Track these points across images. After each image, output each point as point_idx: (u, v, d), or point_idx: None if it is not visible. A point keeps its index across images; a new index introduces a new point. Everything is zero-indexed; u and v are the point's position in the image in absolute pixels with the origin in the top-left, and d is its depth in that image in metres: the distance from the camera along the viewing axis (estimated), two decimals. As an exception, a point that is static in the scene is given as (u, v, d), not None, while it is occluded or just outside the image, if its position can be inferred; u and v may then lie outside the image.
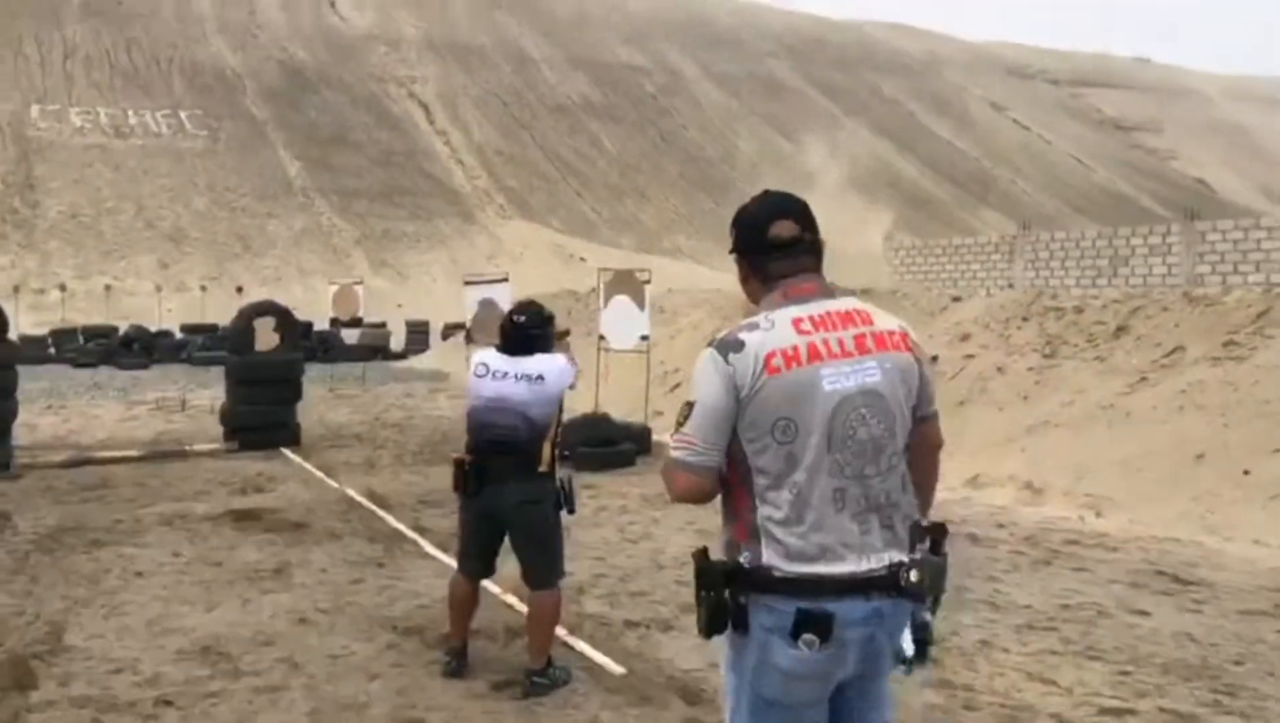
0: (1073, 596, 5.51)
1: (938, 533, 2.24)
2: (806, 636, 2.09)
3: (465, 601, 4.68)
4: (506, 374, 4.42)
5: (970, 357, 10.27)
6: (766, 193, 2.38)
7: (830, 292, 2.26)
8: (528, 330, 4.49)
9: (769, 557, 2.14)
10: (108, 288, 41.49)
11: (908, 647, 2.32)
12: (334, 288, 18.39)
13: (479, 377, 4.48)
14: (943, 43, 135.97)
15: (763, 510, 2.16)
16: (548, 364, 4.45)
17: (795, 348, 2.14)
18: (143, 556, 6.95)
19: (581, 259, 57.35)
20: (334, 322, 19.13)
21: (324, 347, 25.17)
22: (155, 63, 69.90)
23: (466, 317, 13.76)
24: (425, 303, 48.31)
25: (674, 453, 2.22)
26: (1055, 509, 7.63)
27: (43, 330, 31.95)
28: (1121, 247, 21.42)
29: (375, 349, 26.36)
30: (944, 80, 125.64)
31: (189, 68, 70.02)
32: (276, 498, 9.00)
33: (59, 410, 16.58)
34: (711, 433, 2.17)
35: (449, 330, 28.66)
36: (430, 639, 5.10)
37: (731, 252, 2.35)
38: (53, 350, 28.48)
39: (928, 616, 2.31)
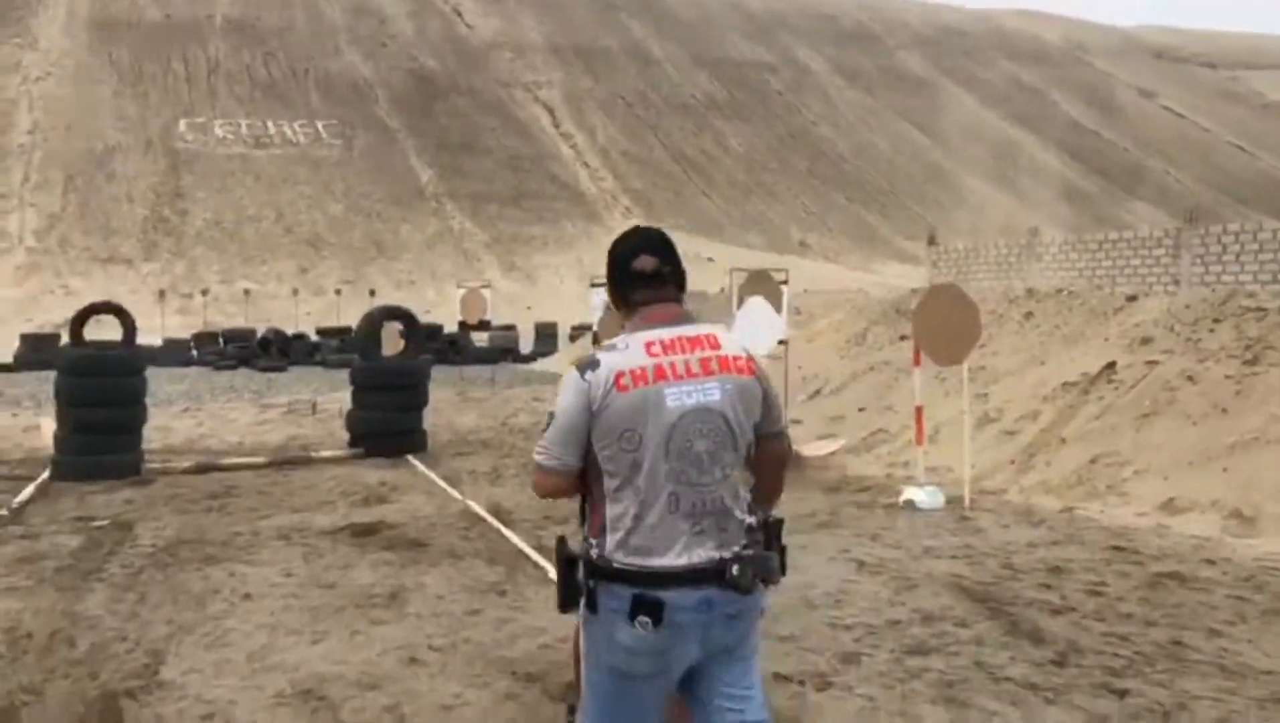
0: (1326, 659, 4.50)
1: (773, 530, 2.62)
2: (641, 618, 2.42)
3: None
4: None
5: (1154, 363, 9.13)
6: (636, 229, 2.72)
7: (687, 318, 2.58)
8: None
9: (611, 550, 2.48)
10: (247, 292, 42.91)
11: None
12: (461, 291, 18.18)
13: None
14: (1084, 29, 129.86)
15: (610, 510, 2.50)
16: None
17: (643, 368, 2.46)
18: (255, 574, 6.58)
19: (709, 259, 56.55)
20: (462, 325, 18.94)
21: (454, 349, 25.16)
22: (292, 75, 72.37)
23: (593, 318, 13.22)
24: (553, 305, 48.41)
25: (537, 456, 2.58)
26: (1274, 543, 6.52)
27: (187, 334, 33.08)
28: (1306, 238, 19.42)
29: (504, 351, 26.25)
30: (1088, 68, 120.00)
31: (324, 79, 72.25)
32: (398, 511, 8.58)
33: (195, 413, 16.81)
34: (565, 441, 2.51)
35: (577, 332, 28.37)
36: (553, 688, 4.48)
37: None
38: (194, 353, 29.39)
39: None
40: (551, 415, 2.56)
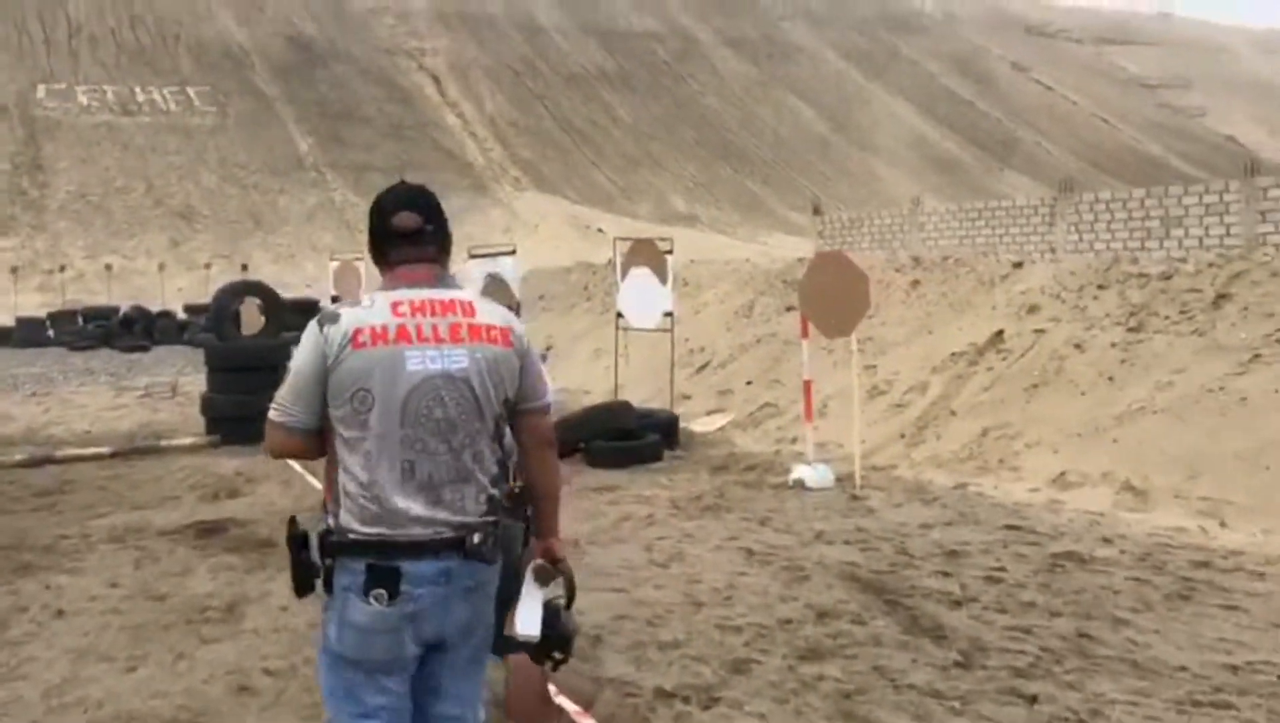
0: (1235, 650, 4.24)
1: (519, 500, 2.53)
2: (376, 590, 2.28)
3: None
4: None
5: (1041, 331, 8.96)
6: (401, 183, 2.58)
7: (445, 282, 2.46)
8: None
9: (345, 519, 2.34)
10: (108, 267, 40.35)
11: (528, 627, 2.48)
12: (334, 265, 17.16)
13: None
14: (960, 2, 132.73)
15: (343, 477, 2.35)
16: None
17: (385, 327, 2.33)
18: (73, 586, 5.80)
19: (599, 230, 55.78)
20: (335, 299, 17.89)
21: (329, 326, 24.08)
22: (161, 39, 68.36)
23: (471, 292, 12.52)
24: (439, 278, 47.18)
25: (270, 412, 2.40)
26: (1167, 516, 6.35)
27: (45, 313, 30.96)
28: (1173, 206, 19.90)
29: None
30: (963, 40, 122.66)
31: (195, 44, 68.45)
32: (249, 505, 7.84)
33: (42, 398, 15.52)
34: (299, 395, 2.36)
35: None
36: None
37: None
38: (51, 333, 27.45)
39: (560, 603, 2.55)
40: (285, 370, 2.43)
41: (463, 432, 2.38)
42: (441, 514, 2.36)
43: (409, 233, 2.45)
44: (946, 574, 5.42)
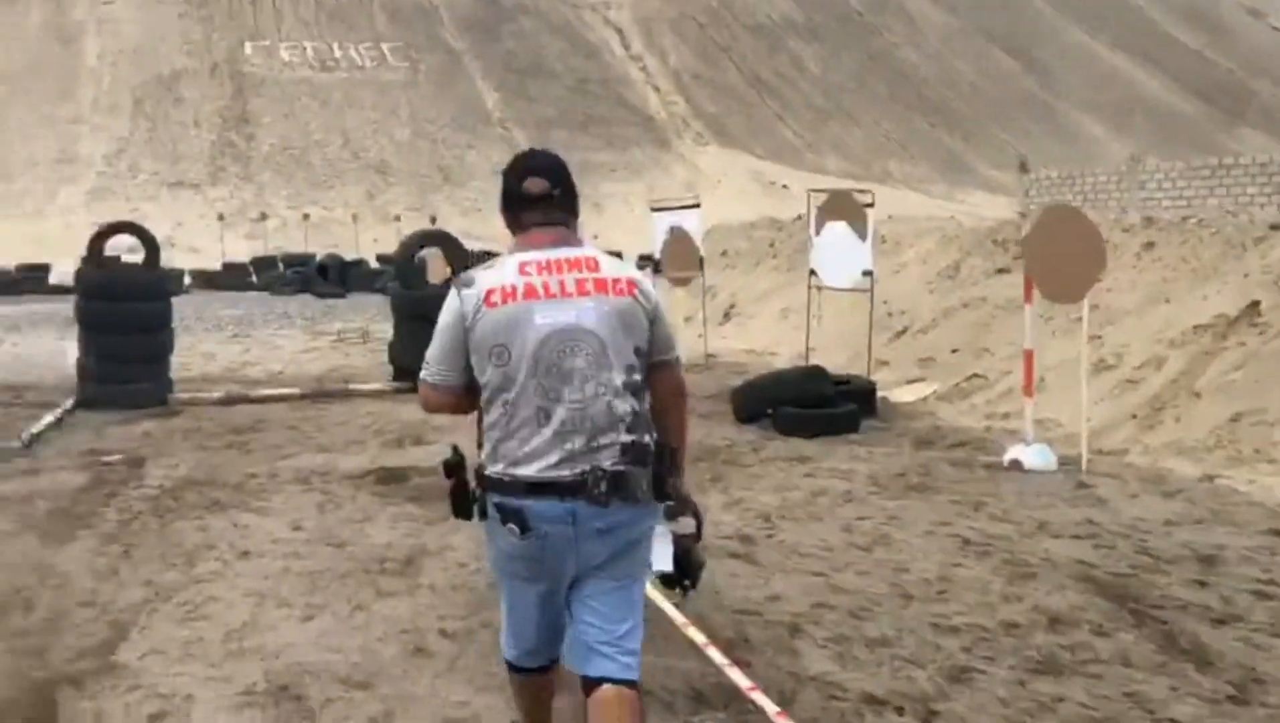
0: None
1: (664, 454, 2.62)
2: (510, 525, 2.52)
3: None
4: None
5: (1308, 302, 7.79)
6: (529, 151, 2.79)
7: (569, 241, 2.63)
8: None
9: (486, 458, 2.59)
10: (306, 217, 42.22)
11: (662, 563, 2.75)
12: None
13: None
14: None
15: (486, 420, 2.59)
16: None
17: (514, 287, 2.53)
18: (259, 527, 5.78)
19: (784, 186, 54.62)
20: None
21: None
22: (357, -3, 71.08)
23: (655, 246, 12.16)
24: (620, 234, 47.16)
25: (422, 373, 2.69)
26: None
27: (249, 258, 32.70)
28: None
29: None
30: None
31: (388, 1, 70.67)
32: (433, 455, 7.67)
33: (242, 339, 16.22)
34: (446, 356, 2.62)
35: (643, 262, 27.19)
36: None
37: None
38: (254, 278, 28.94)
39: (690, 538, 2.76)
40: (435, 333, 2.66)
41: (593, 381, 2.52)
42: (572, 458, 2.51)
43: (538, 197, 2.62)
44: (1203, 584, 4.64)
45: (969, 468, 7.01)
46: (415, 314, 10.63)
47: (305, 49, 63.39)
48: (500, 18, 70.58)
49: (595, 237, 47.20)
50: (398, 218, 41.84)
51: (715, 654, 3.93)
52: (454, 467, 2.66)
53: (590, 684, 2.57)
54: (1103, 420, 7.65)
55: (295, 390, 10.38)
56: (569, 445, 2.50)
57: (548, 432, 2.50)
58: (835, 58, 77.60)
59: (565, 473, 2.50)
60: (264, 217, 43.12)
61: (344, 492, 6.60)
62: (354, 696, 3.66)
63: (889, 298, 11.24)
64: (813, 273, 9.88)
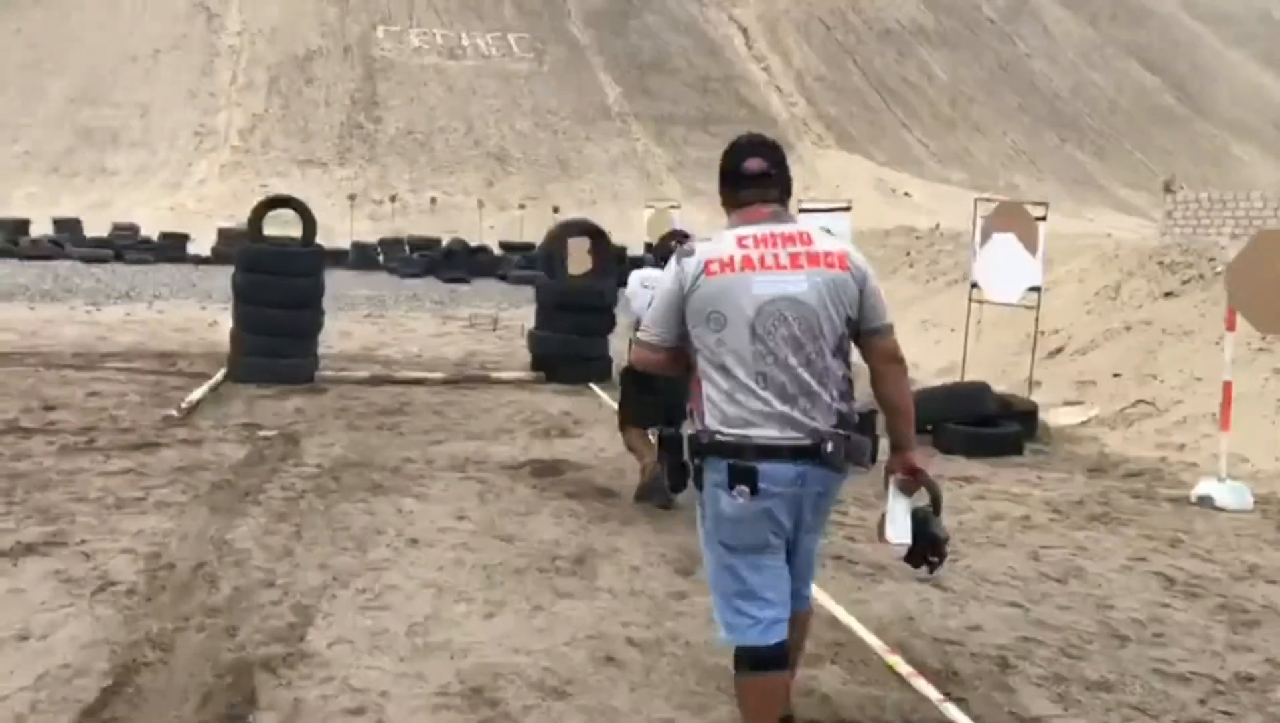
0: None
1: (867, 420, 2.83)
2: (740, 486, 2.65)
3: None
4: None
5: None
6: (748, 135, 2.97)
7: (785, 219, 2.83)
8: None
9: (710, 422, 2.72)
10: (434, 201, 43.05)
11: (899, 534, 2.80)
12: (649, 211, 16.98)
13: (648, 287, 4.78)
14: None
15: (706, 386, 2.74)
16: None
17: (731, 258, 2.72)
18: (423, 513, 5.73)
19: (906, 194, 53.60)
20: (649, 246, 17.77)
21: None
22: (487, -15, 72.14)
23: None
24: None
25: (640, 335, 2.92)
26: None
27: (374, 239, 33.35)
28: None
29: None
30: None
31: (518, -9, 71.67)
32: (581, 448, 7.63)
33: (376, 319, 16.49)
34: (660, 319, 2.81)
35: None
36: (792, 728, 3.34)
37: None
38: (381, 259, 29.50)
39: (928, 509, 2.84)
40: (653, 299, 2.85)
41: (809, 348, 2.68)
42: (794, 422, 2.66)
43: (756, 176, 2.80)
44: None
45: (1151, 501, 6.58)
46: (560, 304, 10.59)
47: (435, 36, 64.67)
48: (626, 12, 70.86)
49: (709, 239, 46.81)
50: (522, 206, 42.27)
51: (926, 687, 3.68)
52: (672, 442, 2.80)
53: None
54: (1299, 461, 7.10)
55: (438, 374, 10.43)
56: (789, 410, 2.66)
57: (770, 396, 2.66)
58: (964, 66, 75.74)
59: (793, 436, 2.65)
60: (393, 198, 44.09)
61: (501, 482, 6.52)
62: (552, 705, 3.52)
63: (1043, 316, 10.71)
64: (974, 285, 9.47)
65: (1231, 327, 6.60)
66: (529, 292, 16.55)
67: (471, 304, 19.41)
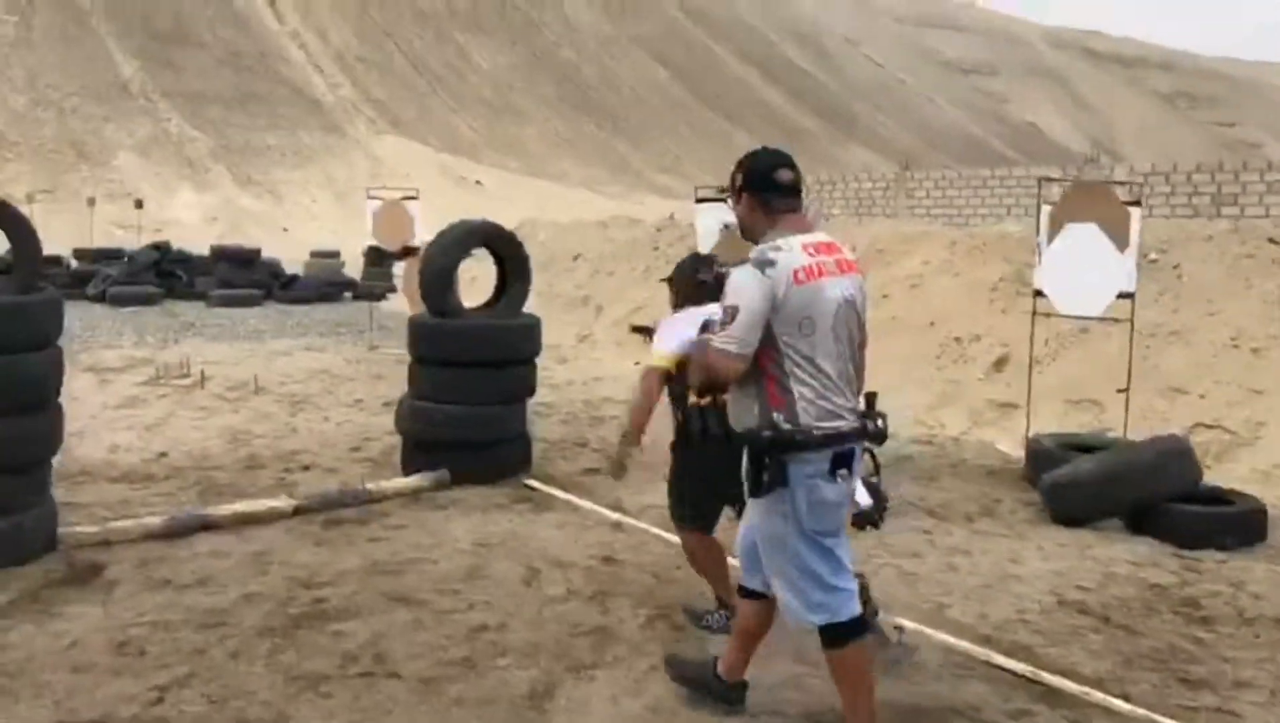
0: None
1: (870, 400, 3.25)
2: (841, 471, 3.03)
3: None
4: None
5: None
6: (765, 148, 3.24)
7: (815, 227, 3.22)
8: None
9: (805, 421, 2.98)
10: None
11: (865, 499, 3.67)
12: (374, 205, 12.68)
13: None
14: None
15: (798, 387, 2.98)
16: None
17: (808, 267, 2.99)
18: None
19: (477, 182, 51.12)
20: (375, 252, 13.45)
21: (278, 283, 19.18)
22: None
23: (703, 242, 8.94)
24: (309, 224, 41.26)
25: (726, 347, 2.97)
26: None
27: None
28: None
29: (333, 285, 20.29)
30: (797, 9, 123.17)
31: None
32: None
33: None
34: (752, 330, 2.95)
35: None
36: None
37: (735, 190, 3.19)
38: None
39: (876, 480, 3.80)
40: (735, 310, 2.95)
41: (855, 344, 3.13)
42: (851, 408, 3.09)
43: (789, 186, 3.11)
44: None
45: None
46: (452, 357, 6.62)
47: None
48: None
49: (286, 230, 40.93)
50: (32, 199, 33.28)
51: None
52: (764, 445, 2.99)
53: None
54: None
55: (284, 502, 5.98)
56: (849, 398, 3.09)
57: (846, 390, 3.07)
58: (501, 53, 75.03)
59: (852, 423, 3.06)
60: None
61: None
62: None
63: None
64: (1038, 294, 7.20)
65: None
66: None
67: (110, 343, 13.45)
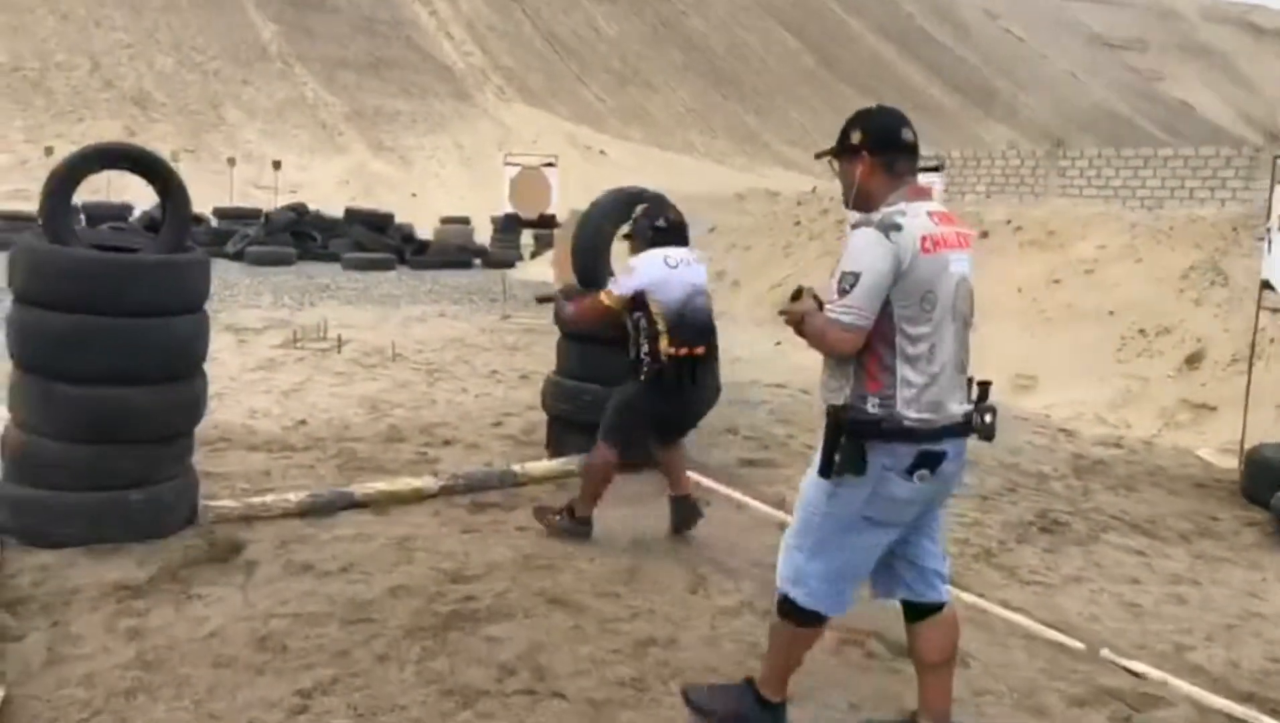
0: None
1: (985, 389, 2.82)
2: (921, 471, 2.67)
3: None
4: (690, 261, 4.59)
5: None
6: (881, 106, 2.92)
7: (929, 195, 2.89)
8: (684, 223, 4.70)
9: (901, 407, 2.65)
10: (49, 151, 34.06)
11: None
12: (512, 171, 12.32)
13: (673, 267, 4.48)
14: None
15: (904, 369, 2.65)
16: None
17: (934, 236, 2.68)
18: None
19: (601, 152, 50.93)
20: (514, 219, 13.19)
21: (410, 247, 19.16)
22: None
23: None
24: (438, 193, 41.68)
25: (842, 317, 2.63)
26: None
27: None
28: None
29: (467, 251, 20.15)
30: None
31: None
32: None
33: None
34: (873, 300, 2.63)
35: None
36: None
37: (853, 150, 2.80)
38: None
39: None
40: (855, 276, 2.62)
41: (970, 323, 2.81)
42: (961, 397, 2.75)
43: (912, 148, 2.81)
44: None
45: None
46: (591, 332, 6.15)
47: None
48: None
49: (414, 196, 41.47)
50: (176, 158, 34.36)
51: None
52: (852, 427, 2.65)
53: (932, 608, 2.94)
54: None
55: (431, 482, 5.64)
56: (961, 386, 2.75)
57: (959, 376, 2.74)
58: (628, 21, 74.43)
59: (963, 412, 2.73)
60: None
61: None
62: None
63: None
64: (1267, 285, 6.36)
65: None
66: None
67: (249, 302, 13.62)
